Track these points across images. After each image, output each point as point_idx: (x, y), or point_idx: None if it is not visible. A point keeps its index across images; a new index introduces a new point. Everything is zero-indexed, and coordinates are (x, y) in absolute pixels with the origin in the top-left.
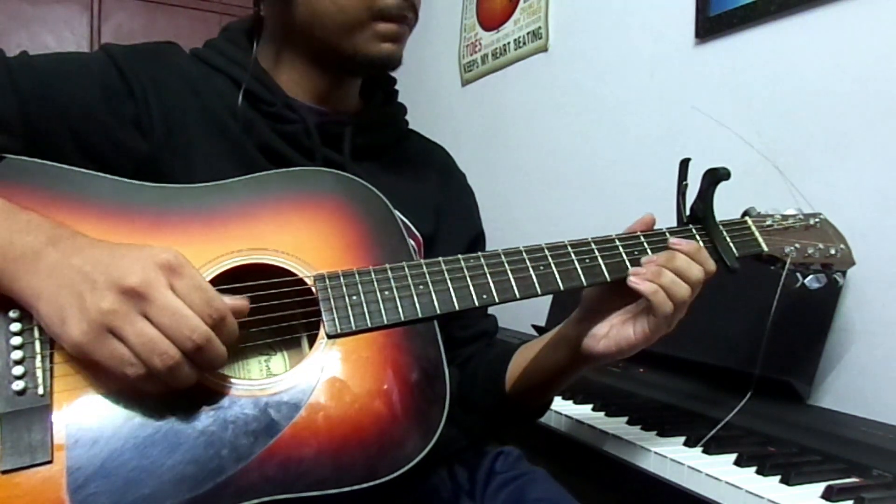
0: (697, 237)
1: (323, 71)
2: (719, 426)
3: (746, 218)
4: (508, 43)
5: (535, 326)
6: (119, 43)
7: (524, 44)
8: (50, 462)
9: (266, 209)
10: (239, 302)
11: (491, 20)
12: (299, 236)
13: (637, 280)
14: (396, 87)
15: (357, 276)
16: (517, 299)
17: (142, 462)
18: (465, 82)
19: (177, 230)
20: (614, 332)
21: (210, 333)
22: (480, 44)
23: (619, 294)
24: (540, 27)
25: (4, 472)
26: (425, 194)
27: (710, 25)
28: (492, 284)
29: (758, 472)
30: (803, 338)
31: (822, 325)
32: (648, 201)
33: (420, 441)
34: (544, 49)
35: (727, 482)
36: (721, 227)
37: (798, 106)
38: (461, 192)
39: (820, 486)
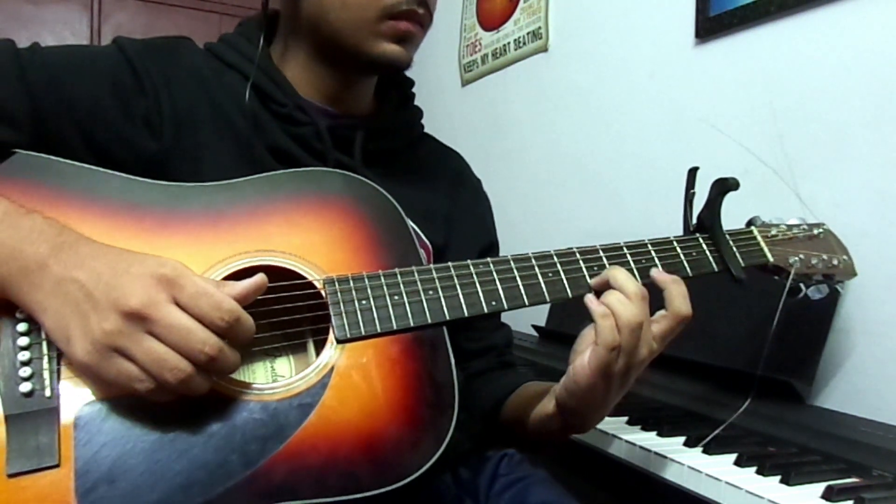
0: (704, 246)
1: (331, 70)
2: (721, 428)
3: (752, 228)
4: (508, 43)
5: (535, 326)
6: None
7: (524, 44)
8: (57, 466)
9: (275, 210)
10: (252, 282)
11: (491, 20)
12: (308, 238)
13: (591, 298)
14: (413, 88)
15: (367, 280)
16: (526, 306)
17: (150, 466)
18: (465, 82)
19: (185, 230)
20: (571, 370)
21: (221, 343)
22: (480, 44)
23: None
24: (540, 27)
25: (11, 475)
26: (436, 202)
27: (710, 25)
28: (501, 291)
29: (758, 472)
30: (804, 338)
31: (822, 325)
32: (648, 201)
33: (429, 448)
34: (544, 49)
35: (727, 482)
36: (728, 236)
37: (798, 106)
38: (474, 200)
39: (820, 486)
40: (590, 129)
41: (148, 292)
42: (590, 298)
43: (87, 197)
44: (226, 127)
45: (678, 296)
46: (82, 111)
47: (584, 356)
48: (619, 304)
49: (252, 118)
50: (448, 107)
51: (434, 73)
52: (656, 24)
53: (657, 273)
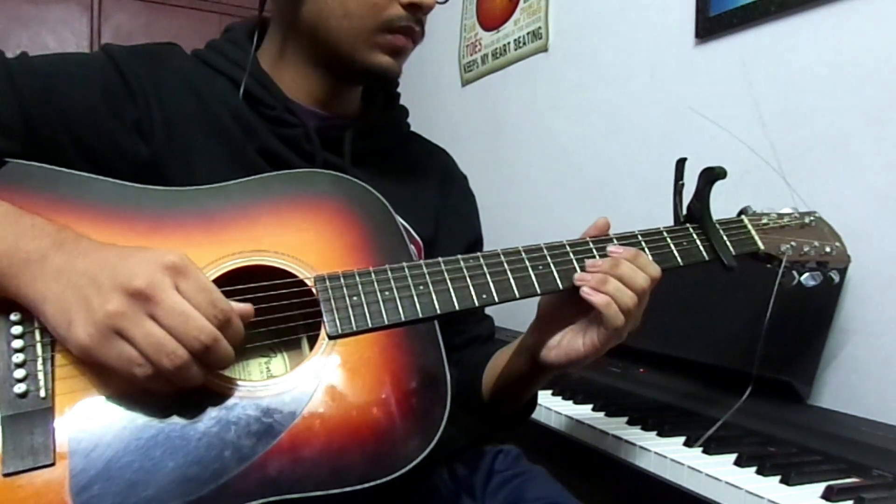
0: (695, 236)
1: (323, 74)
2: (717, 426)
3: (743, 217)
4: (508, 43)
5: None
6: (119, 43)
7: (524, 44)
8: (52, 465)
9: (266, 211)
10: (245, 307)
11: (491, 20)
12: (299, 238)
13: (590, 291)
14: (398, 89)
15: (357, 276)
16: (517, 299)
17: (145, 463)
18: (465, 82)
19: (177, 232)
20: (565, 342)
21: (217, 333)
22: (480, 44)
23: (572, 304)
24: (540, 27)
25: (6, 474)
26: (425, 199)
27: (710, 25)
28: (491, 284)
29: (758, 472)
30: (803, 337)
31: (821, 324)
32: (648, 201)
33: (421, 441)
34: (544, 49)
35: (727, 482)
36: (718, 225)
37: (798, 106)
38: (461, 196)
39: (820, 486)
40: (589, 129)
41: (153, 275)
42: (587, 291)
43: (80, 203)
44: (216, 131)
45: (648, 264)
46: (74, 118)
47: (592, 335)
48: (617, 291)
49: (242, 121)
50: (448, 107)
51: (434, 73)
52: (656, 24)
53: (613, 248)
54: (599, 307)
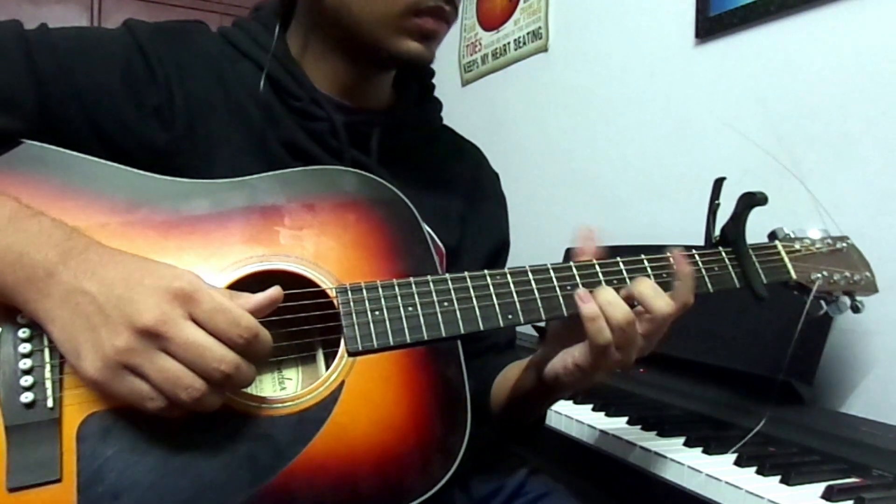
0: (727, 261)
1: (350, 63)
2: (749, 435)
3: (776, 242)
4: (508, 43)
5: (535, 327)
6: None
7: (524, 44)
8: (59, 480)
9: (288, 211)
10: (267, 296)
11: (491, 20)
12: (321, 242)
13: (583, 295)
14: (433, 80)
15: (380, 289)
16: (543, 320)
17: (156, 481)
18: (465, 82)
19: (196, 231)
20: (559, 358)
21: (238, 360)
22: (480, 44)
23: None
24: (540, 27)
25: (11, 489)
26: (452, 202)
27: (710, 25)
28: (518, 304)
29: (758, 472)
30: (804, 338)
31: (822, 325)
32: (648, 201)
33: (440, 468)
34: (544, 49)
35: (727, 482)
36: (751, 251)
37: (798, 106)
38: (490, 198)
39: (820, 486)
40: (590, 129)
41: (162, 308)
42: (580, 295)
43: (93, 193)
44: (239, 118)
45: (689, 290)
46: (91, 99)
47: (582, 353)
48: (609, 305)
49: (266, 111)
50: (448, 107)
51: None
52: (656, 24)
53: (680, 258)
54: (584, 318)
